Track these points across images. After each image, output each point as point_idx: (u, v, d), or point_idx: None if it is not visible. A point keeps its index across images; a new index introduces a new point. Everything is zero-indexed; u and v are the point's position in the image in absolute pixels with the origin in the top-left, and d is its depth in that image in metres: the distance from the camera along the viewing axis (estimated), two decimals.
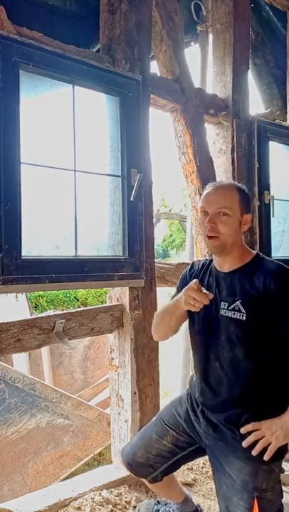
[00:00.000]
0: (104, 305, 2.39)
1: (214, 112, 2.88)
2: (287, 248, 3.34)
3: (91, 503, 2.06)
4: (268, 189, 3.05)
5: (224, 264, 1.53)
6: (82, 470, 3.33)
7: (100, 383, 4.35)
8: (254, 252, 1.55)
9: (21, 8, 2.67)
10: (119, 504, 2.11)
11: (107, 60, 2.32)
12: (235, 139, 2.91)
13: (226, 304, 1.48)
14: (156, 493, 2.11)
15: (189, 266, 1.73)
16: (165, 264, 2.73)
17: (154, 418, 1.79)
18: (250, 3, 3.15)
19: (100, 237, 2.30)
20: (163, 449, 1.68)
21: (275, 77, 4.18)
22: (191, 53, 4.02)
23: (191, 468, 2.50)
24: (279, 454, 1.41)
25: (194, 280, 1.43)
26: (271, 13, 4.06)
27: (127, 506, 2.12)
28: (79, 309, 2.25)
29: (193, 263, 1.73)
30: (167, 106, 2.67)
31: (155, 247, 2.54)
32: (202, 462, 2.53)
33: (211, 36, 3.38)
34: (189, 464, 2.49)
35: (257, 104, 4.42)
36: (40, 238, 2.06)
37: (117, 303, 2.39)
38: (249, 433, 1.40)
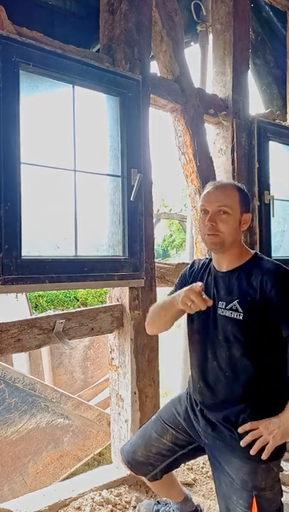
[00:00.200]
0: (104, 305, 2.39)
1: (214, 111, 2.88)
2: (287, 248, 3.34)
3: (91, 503, 2.06)
4: (268, 189, 3.05)
5: (222, 263, 1.54)
6: (82, 470, 3.33)
7: (99, 383, 4.34)
8: (252, 252, 1.55)
9: (21, 8, 2.67)
10: (119, 504, 2.11)
11: (107, 60, 2.32)
12: (235, 139, 2.91)
13: (224, 303, 1.48)
14: (156, 492, 2.11)
15: (190, 264, 1.73)
16: (165, 264, 2.74)
17: (153, 417, 1.80)
18: (250, 3, 3.15)
19: (100, 237, 2.31)
20: (162, 447, 1.69)
21: (275, 77, 4.18)
22: (191, 53, 4.04)
23: (191, 468, 2.50)
24: (277, 453, 1.41)
25: (200, 283, 1.41)
26: (271, 13, 4.07)
27: (127, 506, 2.12)
28: (79, 309, 2.25)
29: (194, 262, 1.73)
30: (167, 106, 2.67)
31: (155, 247, 2.54)
32: (202, 462, 2.53)
33: (211, 36, 3.38)
34: (189, 463, 2.49)
35: (257, 104, 4.43)
36: (40, 238, 2.06)
37: (117, 303, 2.39)
38: (247, 432, 1.40)
